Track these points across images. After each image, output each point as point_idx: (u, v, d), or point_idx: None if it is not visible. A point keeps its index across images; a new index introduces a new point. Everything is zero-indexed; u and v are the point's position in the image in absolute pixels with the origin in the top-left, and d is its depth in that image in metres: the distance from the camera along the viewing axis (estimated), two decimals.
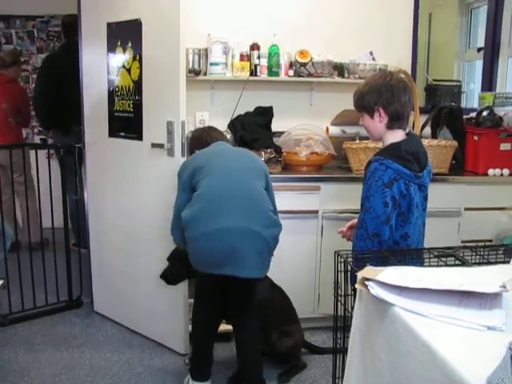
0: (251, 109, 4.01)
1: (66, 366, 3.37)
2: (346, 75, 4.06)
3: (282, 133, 4.03)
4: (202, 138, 3.15)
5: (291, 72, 3.97)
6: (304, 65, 3.97)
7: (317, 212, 3.68)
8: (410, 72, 3.93)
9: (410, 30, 4.29)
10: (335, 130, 4.10)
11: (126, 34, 3.46)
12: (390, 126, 2.40)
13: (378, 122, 2.41)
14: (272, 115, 3.97)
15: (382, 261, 2.04)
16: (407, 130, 2.47)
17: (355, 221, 2.66)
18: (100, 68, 3.67)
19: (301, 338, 3.42)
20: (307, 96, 4.21)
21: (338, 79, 4.06)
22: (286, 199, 3.61)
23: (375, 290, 1.66)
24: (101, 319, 4.02)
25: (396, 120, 2.39)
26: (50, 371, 3.31)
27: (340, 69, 4.06)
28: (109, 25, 3.56)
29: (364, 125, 2.49)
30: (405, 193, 2.32)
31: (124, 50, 3.49)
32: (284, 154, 3.82)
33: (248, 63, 3.91)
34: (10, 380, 3.21)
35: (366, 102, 2.42)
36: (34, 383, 3.18)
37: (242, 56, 3.92)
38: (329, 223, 3.66)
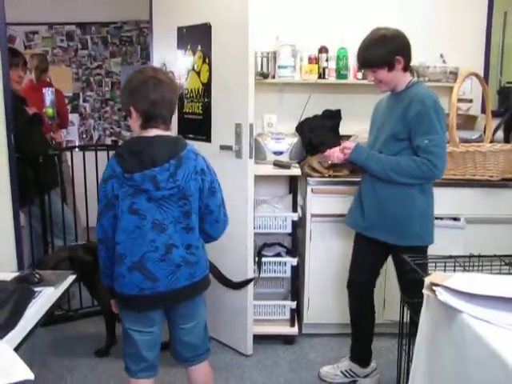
0: (319, 111, 4.00)
1: None
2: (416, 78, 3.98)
3: (350, 136, 3.99)
4: None
5: (360, 75, 3.93)
6: None
7: None
8: (482, 74, 3.83)
9: (483, 30, 4.17)
10: None
11: (195, 37, 3.51)
12: (143, 126, 2.20)
13: (134, 122, 2.23)
14: (340, 118, 3.94)
15: None
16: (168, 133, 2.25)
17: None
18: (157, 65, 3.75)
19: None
20: (375, 99, 4.14)
21: None
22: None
23: (443, 295, 1.63)
24: None
25: (148, 120, 2.19)
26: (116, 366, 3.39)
27: (410, 72, 3.98)
28: (179, 29, 3.63)
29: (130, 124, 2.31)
30: (116, 193, 2.17)
31: (194, 53, 3.55)
32: None
33: (316, 66, 3.91)
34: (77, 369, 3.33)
35: (122, 101, 2.37)
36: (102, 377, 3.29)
37: (310, 59, 3.91)
38: None
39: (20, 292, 2.16)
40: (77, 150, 4.69)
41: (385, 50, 2.73)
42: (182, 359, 2.49)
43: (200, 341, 2.47)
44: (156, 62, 3.89)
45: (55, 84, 5.68)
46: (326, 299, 3.72)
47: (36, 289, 2.23)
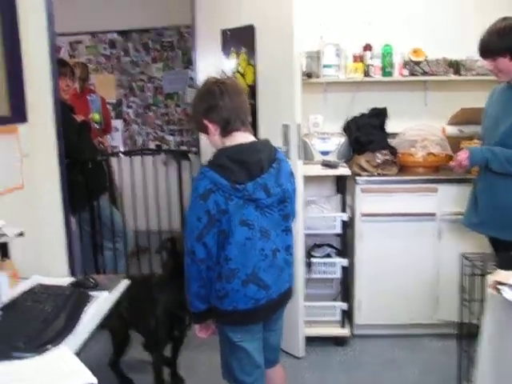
0: (364, 110, 3.97)
1: (185, 365, 3.43)
2: (463, 72, 3.90)
3: (397, 134, 3.94)
4: None
5: (405, 71, 3.87)
6: (418, 63, 3.87)
7: (434, 215, 3.57)
8: None
9: None
10: (452, 130, 3.95)
11: (239, 39, 3.52)
12: (224, 133, 2.11)
13: (212, 136, 2.15)
14: (386, 116, 3.90)
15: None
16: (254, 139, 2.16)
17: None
18: (215, 74, 3.73)
19: None
20: (421, 96, 4.08)
21: (453, 77, 3.91)
22: (402, 201, 3.55)
23: (509, 294, 1.58)
24: None
25: (226, 126, 2.09)
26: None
27: (456, 66, 3.91)
28: (223, 32, 3.64)
29: (209, 140, 2.21)
30: (223, 208, 2.01)
31: (238, 56, 3.55)
32: (399, 155, 3.74)
33: (361, 64, 3.86)
34: None
35: (194, 121, 2.22)
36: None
37: (354, 57, 3.88)
38: (447, 226, 3.55)
39: (76, 297, 2.20)
40: (122, 155, 4.76)
41: (510, 39, 2.68)
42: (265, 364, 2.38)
43: (280, 341, 2.48)
44: (200, 66, 3.92)
45: (99, 91, 5.77)
46: (377, 300, 3.68)
47: (91, 293, 2.26)
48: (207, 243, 2.05)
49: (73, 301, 2.14)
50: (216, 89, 2.08)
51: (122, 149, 6.64)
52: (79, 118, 4.02)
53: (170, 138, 6.72)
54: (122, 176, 4.13)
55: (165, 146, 6.68)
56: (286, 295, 2.28)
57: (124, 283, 2.40)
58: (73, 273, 3.48)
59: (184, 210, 4.23)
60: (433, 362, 3.45)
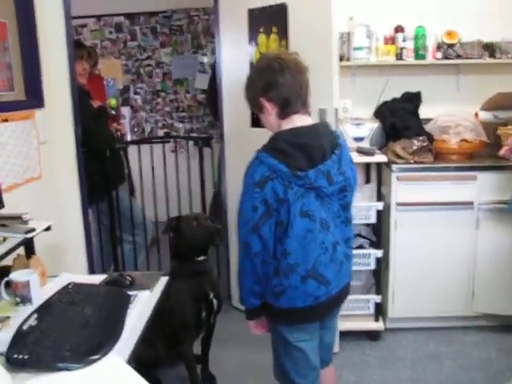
0: (394, 95, 3.77)
1: (211, 362, 3.22)
2: (498, 55, 3.72)
3: (428, 120, 3.76)
4: None
5: (439, 54, 3.68)
6: (451, 46, 3.69)
7: (472, 203, 3.40)
8: None
9: None
10: (486, 116, 3.77)
11: (269, 19, 3.32)
12: (282, 115, 1.94)
13: (268, 116, 1.97)
14: (420, 101, 3.70)
15: None
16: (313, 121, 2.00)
17: None
18: (240, 56, 3.55)
19: None
20: (454, 80, 3.90)
21: (488, 60, 3.73)
22: (438, 190, 3.40)
23: None
24: (239, 314, 3.92)
25: (286, 106, 1.92)
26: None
27: (491, 49, 3.73)
28: (250, 11, 3.43)
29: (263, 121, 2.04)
30: (281, 197, 1.85)
31: (268, 36, 3.36)
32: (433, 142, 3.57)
33: (393, 47, 3.66)
34: None
35: (249, 98, 2.02)
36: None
37: (386, 39, 3.69)
38: (486, 215, 3.40)
39: (114, 297, 2.03)
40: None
41: None
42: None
43: (334, 339, 2.34)
44: (224, 47, 3.71)
45: (105, 77, 5.56)
46: (412, 292, 3.53)
47: (130, 293, 2.09)
48: (263, 235, 1.89)
49: (112, 302, 1.98)
50: (276, 65, 1.91)
51: (129, 137, 6.44)
52: (96, 103, 3.82)
53: (180, 125, 6.51)
54: (139, 165, 3.94)
55: (174, 134, 6.48)
56: (345, 291, 2.12)
57: (163, 281, 2.23)
58: (91, 267, 3.33)
59: (206, 198, 4.06)
60: (472, 357, 3.31)
